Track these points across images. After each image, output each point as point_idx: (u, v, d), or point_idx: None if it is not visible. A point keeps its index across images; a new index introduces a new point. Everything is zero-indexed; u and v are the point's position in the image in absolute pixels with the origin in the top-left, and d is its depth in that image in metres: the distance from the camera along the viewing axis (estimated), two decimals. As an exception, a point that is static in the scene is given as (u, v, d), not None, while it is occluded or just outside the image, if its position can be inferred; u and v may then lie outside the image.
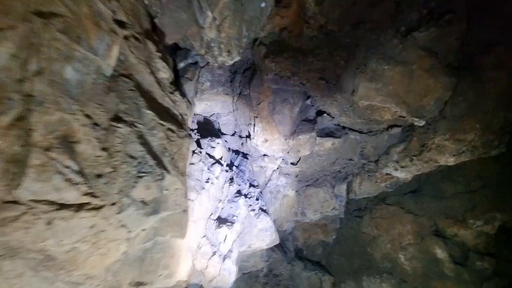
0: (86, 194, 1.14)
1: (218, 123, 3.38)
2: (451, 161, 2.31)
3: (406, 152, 2.58)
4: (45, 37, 0.97)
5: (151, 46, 1.52)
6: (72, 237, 1.16)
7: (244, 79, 2.86)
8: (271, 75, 2.45)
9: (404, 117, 2.29)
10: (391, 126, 2.59)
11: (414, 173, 2.65)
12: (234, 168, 3.14)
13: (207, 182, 2.44)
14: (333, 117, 2.86)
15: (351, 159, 3.14)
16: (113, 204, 1.21)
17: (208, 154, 2.72)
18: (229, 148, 3.39)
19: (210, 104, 3.19)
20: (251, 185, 3.21)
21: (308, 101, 2.81)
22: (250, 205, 3.01)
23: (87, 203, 1.15)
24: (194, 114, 3.11)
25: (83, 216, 1.15)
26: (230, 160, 3.18)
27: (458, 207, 2.88)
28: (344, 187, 3.57)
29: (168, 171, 1.45)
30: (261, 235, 3.15)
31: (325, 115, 2.83)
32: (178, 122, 1.65)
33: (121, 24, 1.29)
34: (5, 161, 1.03)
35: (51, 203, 1.09)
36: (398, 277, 3.63)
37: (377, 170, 3.07)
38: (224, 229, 2.57)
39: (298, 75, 2.40)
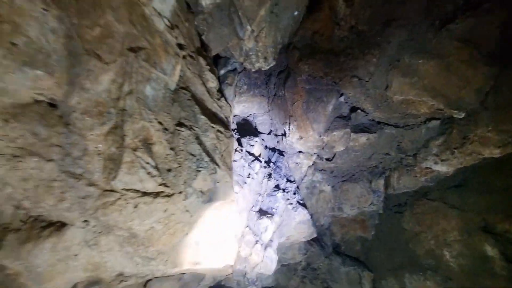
0: (161, 184, 1.45)
1: (255, 123, 3.64)
2: (496, 153, 2.24)
3: (446, 145, 2.55)
4: (134, 65, 1.29)
5: (202, 61, 1.81)
6: (151, 218, 1.49)
7: (278, 81, 3.06)
8: (304, 76, 2.62)
9: (442, 109, 2.28)
10: (429, 119, 2.58)
11: (456, 166, 2.60)
12: (271, 164, 3.37)
13: (248, 177, 2.69)
14: (367, 113, 2.92)
15: (387, 154, 3.15)
16: (180, 192, 1.51)
17: (248, 152, 2.98)
18: (266, 146, 3.62)
19: (247, 105, 3.45)
20: (288, 180, 3.40)
21: (341, 99, 2.91)
22: (288, 199, 3.21)
23: (162, 192, 1.47)
24: (234, 116, 3.40)
25: (159, 202, 1.46)
26: (268, 157, 3.41)
27: (509, 201, 2.73)
28: (381, 182, 3.58)
29: (219, 166, 1.73)
30: (299, 227, 3.33)
31: (359, 111, 2.91)
32: (225, 124, 1.92)
33: (180, 46, 1.59)
34: (105, 159, 1.38)
35: (137, 191, 1.42)
36: (443, 275, 3.53)
37: (416, 164, 3.04)
38: (265, 220, 2.81)
39: (330, 74, 2.53)
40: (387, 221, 4.20)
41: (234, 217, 1.87)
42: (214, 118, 1.82)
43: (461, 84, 2.09)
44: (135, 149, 1.35)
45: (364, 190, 3.77)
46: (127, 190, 1.40)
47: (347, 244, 4.75)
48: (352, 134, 2.95)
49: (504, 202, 2.82)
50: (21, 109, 1.14)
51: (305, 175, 3.89)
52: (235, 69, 2.91)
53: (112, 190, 1.39)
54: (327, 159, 3.57)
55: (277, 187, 3.20)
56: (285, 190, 3.24)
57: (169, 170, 1.47)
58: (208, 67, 1.83)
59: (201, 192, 1.61)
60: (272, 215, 2.94)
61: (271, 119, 3.65)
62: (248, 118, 3.55)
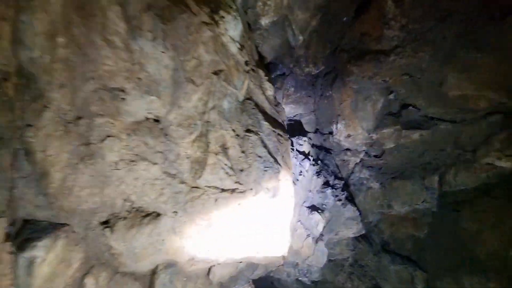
0: (236, 182, 1.74)
1: (301, 122, 3.81)
2: None
3: (510, 139, 2.43)
4: (216, 85, 1.59)
5: (261, 72, 2.06)
6: (227, 211, 1.78)
7: (325, 82, 3.19)
8: (352, 77, 2.71)
9: (504, 103, 2.21)
10: (490, 113, 2.49)
11: (523, 161, 2.46)
12: (319, 162, 3.52)
13: (300, 175, 2.90)
14: (419, 109, 2.90)
15: (442, 150, 3.08)
16: (251, 189, 1.78)
17: (298, 151, 3.18)
18: (312, 144, 3.78)
19: (294, 106, 3.64)
20: (336, 177, 3.53)
21: (391, 96, 2.93)
22: (337, 195, 3.34)
23: (237, 188, 1.75)
24: (282, 117, 3.62)
25: (235, 197, 1.75)
26: (315, 155, 3.57)
27: None
28: (435, 178, 3.49)
29: (281, 166, 1.96)
30: (348, 223, 3.43)
31: (410, 107, 2.90)
32: (283, 128, 2.15)
33: (246, 63, 1.85)
34: (192, 162, 1.70)
35: (217, 188, 1.72)
36: (509, 276, 3.33)
37: (475, 160, 2.93)
38: (316, 215, 2.99)
39: (380, 74, 2.59)
40: (442, 219, 4.05)
41: (290, 212, 2.09)
42: (274, 123, 2.05)
43: (528, 76, 2.01)
44: (216, 153, 1.65)
45: (416, 187, 3.71)
46: (209, 187, 1.71)
47: (396, 242, 4.67)
48: (404, 131, 2.95)
49: None
50: (137, 125, 1.51)
51: (352, 172, 3.96)
52: (284, 73, 3.12)
53: (197, 187, 1.71)
54: (376, 156, 3.59)
55: (326, 184, 3.34)
56: (334, 187, 3.36)
57: (241, 170, 1.75)
58: (266, 77, 2.07)
59: (267, 189, 1.86)
60: (323, 210, 3.10)
61: (317, 118, 3.78)
62: (295, 118, 3.74)
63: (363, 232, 3.55)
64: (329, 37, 2.31)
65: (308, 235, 3.00)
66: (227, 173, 1.69)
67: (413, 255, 4.33)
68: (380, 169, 3.85)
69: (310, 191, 3.19)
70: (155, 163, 1.60)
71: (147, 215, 1.92)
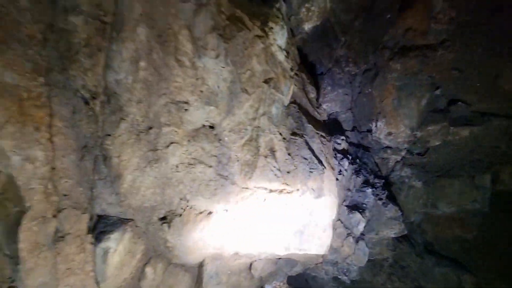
0: (283, 183, 1.84)
1: (338, 120, 3.79)
2: None
3: None
4: (267, 93, 1.70)
5: (304, 76, 2.13)
6: (274, 210, 1.90)
7: (364, 80, 3.14)
8: (395, 74, 2.66)
9: None
10: (554, 108, 2.29)
11: None
12: (357, 160, 3.49)
13: (339, 174, 2.92)
14: (469, 104, 2.75)
15: (497, 147, 2.90)
16: (297, 190, 1.88)
17: (336, 150, 3.19)
18: (350, 142, 3.74)
19: (330, 105, 3.63)
20: (376, 176, 3.47)
21: (437, 91, 2.81)
22: (377, 194, 3.30)
23: (284, 189, 1.86)
24: (318, 116, 3.63)
25: (282, 197, 1.86)
26: (354, 153, 3.54)
27: None
28: (487, 177, 3.29)
29: (325, 167, 2.03)
30: (390, 223, 3.38)
31: (459, 103, 2.77)
32: (325, 129, 2.21)
33: (291, 69, 1.93)
34: (242, 164, 1.84)
35: (265, 188, 1.85)
36: None
37: (535, 158, 2.71)
38: (357, 214, 2.99)
39: (426, 70, 2.51)
40: (495, 220, 3.80)
41: (334, 212, 2.15)
42: (317, 125, 2.12)
43: None
44: (265, 156, 1.77)
45: (464, 186, 3.53)
46: (258, 187, 1.84)
47: (441, 243, 4.46)
48: (451, 128, 2.83)
49: None
50: (196, 132, 1.68)
51: (393, 170, 3.86)
52: (321, 73, 3.13)
53: (247, 188, 1.85)
54: (419, 154, 3.48)
55: (365, 182, 3.31)
56: (374, 186, 3.32)
57: (288, 172, 1.85)
58: (309, 80, 2.13)
59: (313, 189, 1.94)
60: (363, 210, 3.10)
61: (354, 116, 3.74)
62: (331, 116, 3.73)
63: (406, 232, 3.47)
64: (371, 35, 2.30)
65: (348, 234, 3.03)
66: (275, 175, 1.80)
67: (460, 258, 4.11)
68: (423, 167, 3.71)
69: (349, 190, 3.19)
70: (210, 166, 1.77)
71: (200, 212, 2.11)
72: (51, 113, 1.35)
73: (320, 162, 1.98)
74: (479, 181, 3.37)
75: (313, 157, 1.94)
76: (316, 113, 2.17)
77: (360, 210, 3.10)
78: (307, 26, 2.03)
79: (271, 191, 1.84)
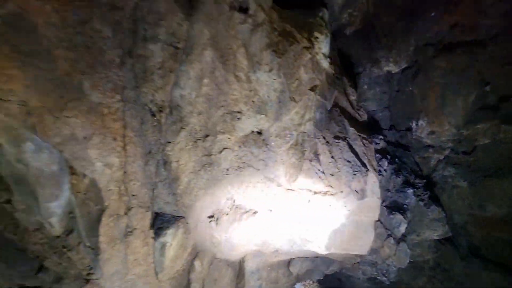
0: (327, 185, 1.92)
1: (375, 119, 3.74)
2: None
3: None
4: (312, 100, 1.79)
5: (344, 79, 2.18)
6: (319, 211, 1.99)
7: (404, 78, 3.08)
8: (440, 71, 2.58)
9: None
10: None
11: None
12: (396, 160, 3.43)
13: (379, 174, 2.91)
14: (525, 100, 2.59)
15: (558, 145, 2.69)
16: (341, 192, 1.95)
17: (375, 149, 3.17)
18: (387, 141, 3.68)
19: (367, 104, 3.60)
20: (416, 176, 3.39)
21: (487, 88, 2.68)
22: (419, 195, 3.22)
23: (328, 191, 1.94)
24: (354, 115, 3.61)
25: (326, 199, 1.94)
26: (392, 152, 3.48)
27: None
28: (546, 177, 3.06)
29: (368, 169, 2.07)
30: (433, 225, 3.29)
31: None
32: (366, 131, 2.24)
33: (334, 75, 1.99)
34: (287, 167, 1.95)
35: (310, 190, 1.94)
36: None
37: None
38: (398, 215, 2.97)
39: (474, 66, 2.41)
40: (555, 224, 3.52)
41: (376, 213, 2.18)
42: (358, 127, 2.16)
43: None
44: (310, 160, 1.86)
45: (516, 186, 3.31)
46: (303, 189, 1.94)
47: (489, 247, 4.22)
48: (503, 125, 2.68)
49: None
50: (246, 138, 1.82)
51: (435, 170, 3.74)
52: (358, 72, 3.12)
53: (292, 189, 1.96)
54: (464, 153, 3.33)
55: (406, 183, 3.24)
56: (415, 186, 3.24)
57: (332, 175, 1.92)
58: (349, 83, 2.17)
59: (356, 191, 2.00)
60: (404, 211, 3.05)
61: (392, 115, 3.66)
62: (368, 115, 3.69)
63: (449, 234, 3.35)
64: (414, 35, 2.26)
65: (388, 235, 3.01)
66: (319, 177, 1.89)
67: (510, 263, 3.87)
68: (468, 166, 3.54)
69: (388, 190, 3.16)
70: (258, 169, 1.90)
71: (246, 212, 2.26)
72: (125, 125, 1.57)
73: (364, 164, 2.03)
74: (534, 181, 3.15)
75: (356, 160, 1.99)
76: (357, 115, 2.21)
77: (401, 211, 3.06)
78: (349, 31, 2.07)
79: (315, 192, 1.93)
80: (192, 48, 1.46)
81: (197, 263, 2.67)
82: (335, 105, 2.05)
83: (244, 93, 1.64)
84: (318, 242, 2.32)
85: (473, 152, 3.30)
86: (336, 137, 1.97)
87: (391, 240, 3.00)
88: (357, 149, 2.05)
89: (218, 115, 1.67)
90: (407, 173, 3.39)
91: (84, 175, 1.61)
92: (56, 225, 1.87)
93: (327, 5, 1.99)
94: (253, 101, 1.67)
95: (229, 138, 1.76)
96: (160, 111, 1.58)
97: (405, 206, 3.11)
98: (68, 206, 1.82)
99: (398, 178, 3.24)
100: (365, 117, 2.36)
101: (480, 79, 2.61)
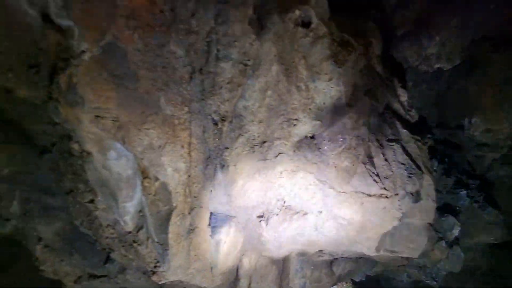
0: (382, 188, 1.95)
1: (422, 116, 3.61)
2: None
3: None
4: (366, 104, 1.83)
5: (395, 80, 2.17)
6: (371, 213, 2.02)
7: (456, 74, 2.94)
8: (498, 67, 2.45)
9: None
10: None
11: None
12: (446, 159, 3.29)
13: (429, 175, 2.83)
14: None
15: None
16: (396, 194, 1.96)
17: (423, 150, 3.08)
18: (436, 140, 3.53)
19: (413, 101, 3.48)
20: (469, 176, 3.23)
21: (555, 82, 2.48)
22: (473, 196, 3.08)
23: (383, 194, 1.97)
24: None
25: (380, 201, 1.97)
26: (441, 151, 3.35)
27: None
28: None
29: (423, 171, 2.05)
30: (488, 228, 3.13)
31: None
32: (418, 132, 2.21)
33: (386, 78, 2.00)
34: (338, 171, 2.00)
35: (363, 193, 1.98)
36: None
37: None
38: (450, 218, 2.87)
39: (541, 59, 2.25)
40: None
41: (431, 216, 2.15)
42: (411, 129, 2.14)
43: None
44: (364, 163, 1.90)
45: None
46: (356, 192, 1.99)
47: (554, 252, 3.90)
48: None
49: None
50: (300, 143, 1.92)
51: (489, 169, 3.53)
52: (406, 71, 3.04)
53: (344, 192, 2.01)
54: (526, 151, 3.11)
55: (458, 183, 3.11)
56: (469, 187, 3.09)
57: (386, 177, 1.94)
58: (400, 84, 2.15)
59: (411, 194, 1.99)
60: (457, 213, 2.94)
61: (440, 112, 3.51)
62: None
63: (508, 239, 3.16)
64: (471, 29, 2.17)
65: (440, 238, 2.92)
66: (374, 180, 1.92)
67: None
68: (529, 165, 3.30)
69: (439, 191, 3.06)
70: (311, 172, 1.99)
71: (296, 213, 2.35)
72: (190, 134, 1.74)
73: (418, 166, 2.01)
74: None
75: (411, 162, 1.98)
76: (408, 116, 2.19)
77: (454, 213, 2.94)
78: (399, 32, 2.05)
79: (369, 195, 1.97)
80: (260, 64, 1.58)
81: (245, 260, 2.82)
82: (387, 107, 2.06)
83: (302, 101, 1.72)
84: (368, 243, 2.35)
85: (537, 150, 3.07)
86: (389, 140, 1.98)
87: (443, 243, 2.91)
88: (411, 151, 2.04)
89: (277, 123, 1.77)
90: (458, 173, 3.24)
91: (156, 179, 1.82)
92: (129, 222, 2.12)
93: (379, 6, 1.99)
94: (309, 109, 1.75)
95: (285, 144, 1.86)
96: (223, 120, 1.73)
97: (458, 208, 2.99)
98: (139, 206, 2.06)
99: (449, 178, 3.12)
100: (416, 117, 2.32)
101: (547, 72, 2.41)
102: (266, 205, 2.44)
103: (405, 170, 1.97)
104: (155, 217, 2.02)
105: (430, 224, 3.08)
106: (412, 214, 2.17)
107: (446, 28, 2.07)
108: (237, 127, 1.82)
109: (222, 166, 2.03)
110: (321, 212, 2.25)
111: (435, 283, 3.44)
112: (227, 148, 1.91)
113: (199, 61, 1.54)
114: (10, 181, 2.19)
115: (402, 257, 3.07)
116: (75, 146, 1.75)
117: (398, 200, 1.96)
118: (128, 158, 1.82)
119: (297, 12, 1.49)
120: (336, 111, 1.79)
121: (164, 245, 2.05)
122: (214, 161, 2.00)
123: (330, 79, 1.68)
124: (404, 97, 2.18)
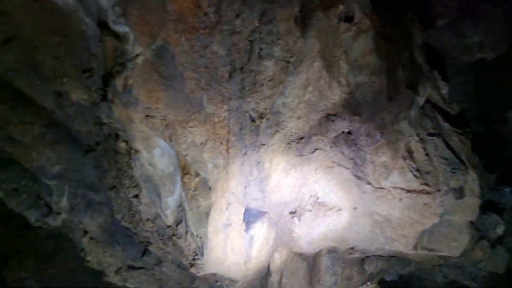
0: (422, 184, 1.92)
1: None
2: None
3: None
4: (407, 97, 1.82)
5: (435, 72, 2.11)
6: (411, 209, 2.00)
7: (498, 64, 2.79)
8: (550, 54, 2.30)
9: None
10: None
11: None
12: (487, 154, 3.14)
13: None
14: None
15: None
16: (438, 190, 1.92)
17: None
18: (475, 134, 3.38)
19: (449, 94, 3.35)
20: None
21: None
22: (518, 194, 2.92)
23: (423, 189, 1.94)
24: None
25: (421, 197, 1.94)
26: (483, 146, 3.20)
27: None
28: None
29: (467, 167, 1.99)
30: (536, 227, 2.95)
31: None
32: (461, 126, 2.14)
33: (427, 70, 1.96)
34: (377, 166, 1.99)
35: (403, 189, 1.96)
36: None
37: None
38: (493, 216, 2.76)
39: None
40: None
41: (475, 213, 2.08)
42: (452, 122, 2.08)
43: None
44: (404, 158, 1.88)
45: None
46: (395, 188, 1.97)
47: None
48: None
49: None
50: (337, 138, 1.93)
51: (534, 165, 3.32)
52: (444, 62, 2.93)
53: (381, 188, 1.99)
54: None
55: (501, 179, 2.96)
56: (513, 184, 2.93)
57: (427, 173, 1.91)
58: (440, 76, 2.09)
59: (454, 190, 1.94)
60: (501, 211, 2.81)
61: (478, 105, 3.35)
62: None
63: (558, 239, 2.97)
64: (518, 16, 2.06)
65: (481, 237, 2.81)
66: (414, 175, 1.90)
67: None
68: None
69: (481, 188, 2.93)
70: (347, 168, 1.99)
71: (330, 209, 2.37)
72: (229, 131, 1.81)
73: (462, 161, 1.96)
74: None
75: (454, 157, 1.93)
76: (449, 109, 2.13)
77: (497, 211, 2.81)
78: (440, 23, 1.99)
79: (408, 191, 1.94)
80: (302, 60, 1.61)
81: (277, 255, 2.88)
82: (427, 100, 2.01)
83: (343, 97, 1.73)
84: (405, 241, 2.31)
85: None
86: (430, 134, 1.94)
87: (485, 242, 2.80)
88: (454, 145, 1.98)
89: (316, 119, 1.80)
90: (502, 169, 3.08)
91: (197, 175, 1.91)
92: (169, 216, 2.24)
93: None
94: (349, 103, 1.76)
95: (321, 139, 1.88)
96: (261, 117, 1.78)
97: (501, 205, 2.85)
98: (179, 201, 2.17)
99: (491, 174, 2.97)
100: (457, 110, 2.25)
101: None
102: (299, 201, 2.48)
103: (448, 165, 1.92)
104: (194, 211, 2.13)
105: (471, 222, 2.97)
106: (454, 211, 2.11)
107: (491, 16, 1.98)
108: (275, 123, 1.86)
109: (258, 163, 2.08)
110: (356, 208, 2.25)
111: (474, 284, 3.31)
112: (264, 144, 1.96)
113: (241, 60, 1.60)
114: (60, 178, 2.38)
115: (438, 256, 2.99)
116: (122, 145, 1.88)
117: (440, 196, 1.92)
118: (170, 155, 1.92)
119: (341, 7, 1.50)
120: (376, 105, 1.78)
121: (203, 238, 2.15)
122: (250, 158, 2.06)
123: (372, 73, 1.68)
124: (444, 89, 2.12)
